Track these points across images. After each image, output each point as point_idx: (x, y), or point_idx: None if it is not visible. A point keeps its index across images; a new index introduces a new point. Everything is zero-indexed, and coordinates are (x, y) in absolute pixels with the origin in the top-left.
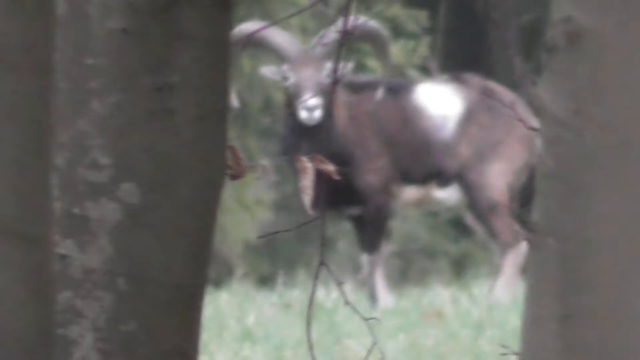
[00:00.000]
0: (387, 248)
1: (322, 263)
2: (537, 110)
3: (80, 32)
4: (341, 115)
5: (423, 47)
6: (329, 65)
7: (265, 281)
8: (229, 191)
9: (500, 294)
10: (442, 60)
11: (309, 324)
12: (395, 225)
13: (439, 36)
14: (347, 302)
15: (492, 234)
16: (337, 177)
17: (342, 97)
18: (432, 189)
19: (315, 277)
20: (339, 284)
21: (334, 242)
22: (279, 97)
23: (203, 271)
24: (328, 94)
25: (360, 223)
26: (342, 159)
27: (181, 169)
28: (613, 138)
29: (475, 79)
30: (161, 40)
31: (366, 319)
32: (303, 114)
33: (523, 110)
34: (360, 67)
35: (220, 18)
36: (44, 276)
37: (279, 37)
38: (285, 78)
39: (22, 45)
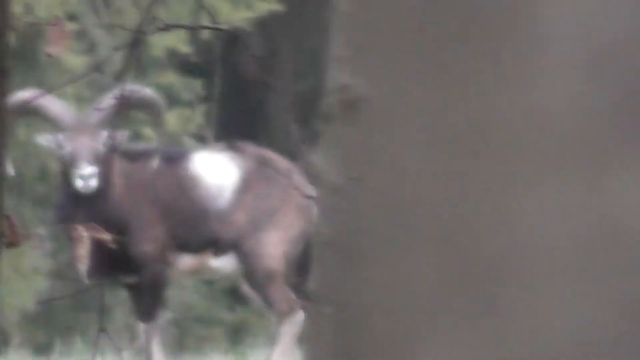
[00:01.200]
0: (163, 316)
1: (101, 330)
2: (314, 178)
3: None
4: (117, 183)
5: (198, 116)
6: (104, 134)
7: (41, 350)
8: (5, 260)
9: None
10: (218, 129)
11: None
12: (172, 293)
13: (214, 104)
14: None
15: (268, 303)
16: (112, 246)
17: (118, 165)
18: (208, 257)
19: (95, 345)
20: (119, 350)
21: (110, 311)
22: (54, 166)
23: None
24: (104, 162)
25: (136, 291)
26: (118, 228)
27: None
28: (385, 203)
29: (251, 148)
30: None
31: None
32: (78, 183)
33: (299, 178)
34: (136, 136)
35: None
36: None
37: (54, 105)
38: (60, 146)
39: None
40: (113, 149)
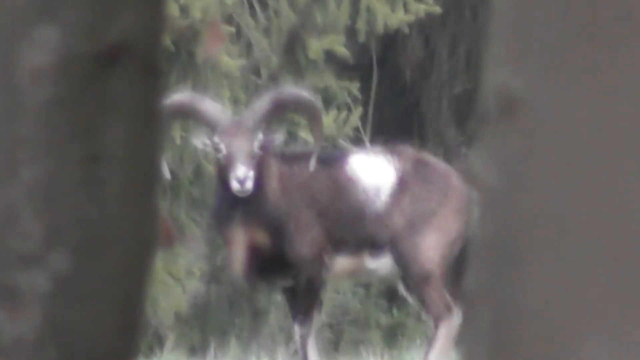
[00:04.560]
0: (319, 319)
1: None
2: (472, 179)
3: (10, 101)
4: (273, 185)
5: (355, 118)
6: (260, 136)
7: (196, 352)
8: (159, 261)
9: None
10: (374, 131)
11: None
12: (327, 296)
13: (370, 107)
14: None
15: (424, 305)
16: (268, 249)
17: (274, 167)
18: (364, 259)
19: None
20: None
21: (265, 313)
22: (209, 168)
23: (134, 341)
24: (260, 164)
25: (292, 293)
26: (275, 230)
27: (111, 239)
28: (546, 204)
29: (407, 149)
30: (91, 109)
31: None
32: (235, 185)
33: (457, 180)
34: (291, 138)
35: (151, 87)
36: None
37: (210, 107)
38: (216, 148)
39: None
40: (269, 151)
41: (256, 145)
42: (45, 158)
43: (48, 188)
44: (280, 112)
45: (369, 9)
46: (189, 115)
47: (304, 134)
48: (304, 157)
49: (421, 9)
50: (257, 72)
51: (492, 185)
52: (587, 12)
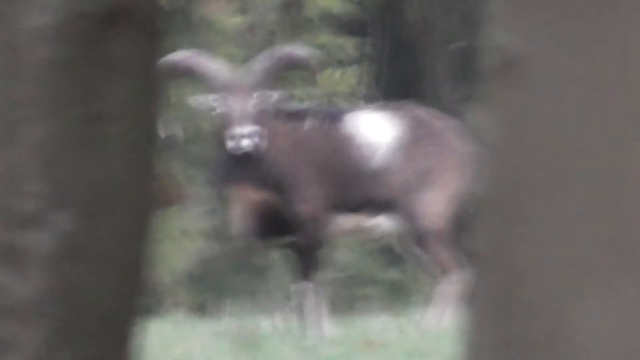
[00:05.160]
0: (322, 276)
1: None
2: (471, 136)
3: (10, 62)
4: (272, 144)
5: (351, 77)
6: (259, 94)
7: (194, 311)
8: (159, 221)
9: (437, 321)
10: (372, 89)
11: None
12: (328, 253)
13: (369, 65)
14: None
15: (427, 261)
16: (268, 207)
17: (273, 125)
18: (365, 217)
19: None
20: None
21: (264, 272)
22: (207, 127)
23: (137, 299)
24: (258, 123)
25: (293, 251)
26: (274, 188)
27: (113, 198)
28: (544, 160)
29: (406, 107)
30: (91, 70)
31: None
32: (232, 144)
33: (456, 137)
34: (290, 96)
35: (150, 47)
36: None
37: (209, 65)
38: (214, 107)
39: None
40: (267, 110)
41: (254, 104)
42: (47, 118)
43: (50, 148)
44: (280, 70)
45: None
46: (187, 73)
47: (301, 93)
48: (302, 115)
49: None
50: (252, 31)
51: (493, 142)
52: None
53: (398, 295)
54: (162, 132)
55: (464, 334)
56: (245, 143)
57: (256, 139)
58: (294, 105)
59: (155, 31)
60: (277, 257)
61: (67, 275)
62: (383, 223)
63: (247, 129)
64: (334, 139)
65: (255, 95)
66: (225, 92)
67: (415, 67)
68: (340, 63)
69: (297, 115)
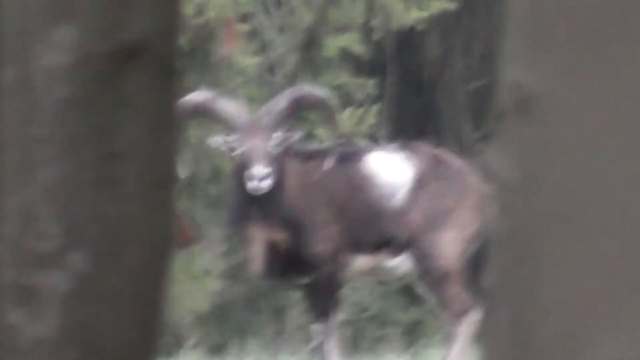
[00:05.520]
0: (338, 318)
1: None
2: (489, 176)
3: (26, 102)
4: (290, 184)
5: (371, 116)
6: (277, 134)
7: (215, 351)
8: (177, 261)
9: None
10: (391, 129)
11: None
12: (346, 294)
13: (387, 104)
14: None
15: (443, 302)
16: (286, 247)
17: (291, 166)
18: (383, 258)
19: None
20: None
21: (284, 312)
22: (227, 167)
23: (153, 339)
24: (277, 163)
25: (310, 292)
26: (292, 229)
27: (129, 238)
28: (563, 199)
29: (424, 147)
30: (107, 109)
31: None
32: (251, 184)
33: (474, 177)
34: (309, 136)
35: (167, 86)
36: None
37: (227, 106)
38: (233, 148)
39: None
40: (286, 150)
41: (273, 144)
42: (63, 158)
43: (66, 188)
44: (297, 110)
45: (383, 7)
46: (205, 114)
47: (321, 133)
48: (321, 155)
49: (435, 5)
50: (272, 71)
51: (509, 182)
52: (600, 8)
53: (418, 336)
54: (181, 172)
55: None
56: (265, 183)
57: (275, 179)
58: (313, 145)
59: (172, 70)
60: (297, 297)
61: (82, 315)
62: (402, 263)
63: (267, 169)
64: (353, 178)
65: (274, 135)
66: (244, 133)
67: (434, 106)
68: (360, 103)
69: (316, 155)
